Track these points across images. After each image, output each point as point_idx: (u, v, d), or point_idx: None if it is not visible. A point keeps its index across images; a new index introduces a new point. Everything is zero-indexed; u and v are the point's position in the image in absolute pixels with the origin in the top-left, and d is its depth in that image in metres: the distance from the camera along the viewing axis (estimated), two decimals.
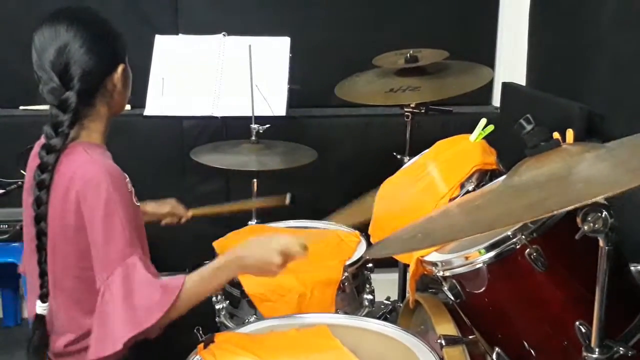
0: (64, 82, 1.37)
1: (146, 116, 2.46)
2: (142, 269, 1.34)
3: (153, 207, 1.90)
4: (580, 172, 1.02)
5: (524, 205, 1.02)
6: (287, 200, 2.01)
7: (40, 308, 1.42)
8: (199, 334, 1.45)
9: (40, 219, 1.38)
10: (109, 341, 1.32)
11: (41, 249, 1.39)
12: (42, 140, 1.42)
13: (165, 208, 1.90)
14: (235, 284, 1.77)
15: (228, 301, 1.81)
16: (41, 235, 1.39)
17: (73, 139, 1.41)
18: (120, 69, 1.44)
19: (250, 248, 1.42)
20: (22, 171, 1.53)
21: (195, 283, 1.37)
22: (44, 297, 1.41)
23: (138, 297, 1.32)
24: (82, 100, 1.39)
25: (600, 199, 0.92)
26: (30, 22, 1.43)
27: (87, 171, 1.36)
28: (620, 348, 1.11)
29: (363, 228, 2.00)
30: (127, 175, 1.41)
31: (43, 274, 1.40)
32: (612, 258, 1.04)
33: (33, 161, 1.47)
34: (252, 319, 1.68)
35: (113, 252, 1.34)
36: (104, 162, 1.39)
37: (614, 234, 1.02)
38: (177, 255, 1.71)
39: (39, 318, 1.43)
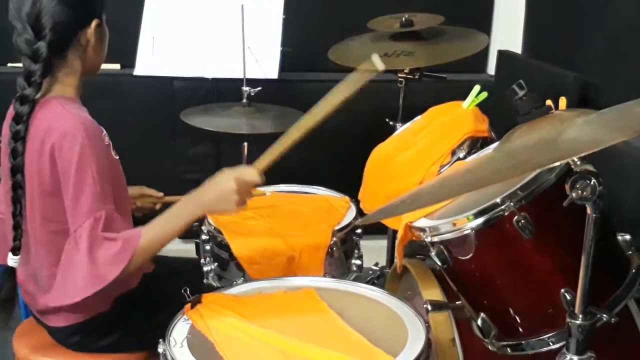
0: (36, 32, 1.37)
1: (136, 76, 2.43)
2: (108, 222, 1.35)
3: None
4: (567, 135, 1.02)
5: (509, 165, 1.02)
6: None
7: (12, 260, 1.44)
8: (186, 295, 1.45)
9: (16, 170, 1.39)
10: (69, 292, 1.35)
11: (16, 201, 1.40)
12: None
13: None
14: (224, 246, 1.77)
15: (216, 263, 1.81)
16: (17, 187, 1.39)
17: (47, 92, 1.41)
18: (94, 23, 1.43)
19: (204, 185, 1.44)
20: None
21: (154, 231, 1.38)
22: (15, 250, 1.43)
23: (100, 251, 1.33)
24: (54, 52, 1.39)
25: (582, 155, 0.91)
26: None
27: (62, 124, 1.36)
28: (604, 315, 1.12)
29: (353, 194, 2.00)
30: (103, 129, 1.41)
31: (17, 226, 1.42)
32: (599, 226, 1.04)
33: (9, 117, 1.46)
34: (240, 281, 1.68)
35: (82, 205, 1.34)
36: (80, 115, 1.39)
37: (601, 201, 1.02)
38: None
39: (9, 271, 1.45)
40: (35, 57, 1.37)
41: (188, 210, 1.42)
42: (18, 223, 1.42)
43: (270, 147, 1.46)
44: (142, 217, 1.63)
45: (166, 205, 1.51)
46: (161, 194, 1.80)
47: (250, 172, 1.42)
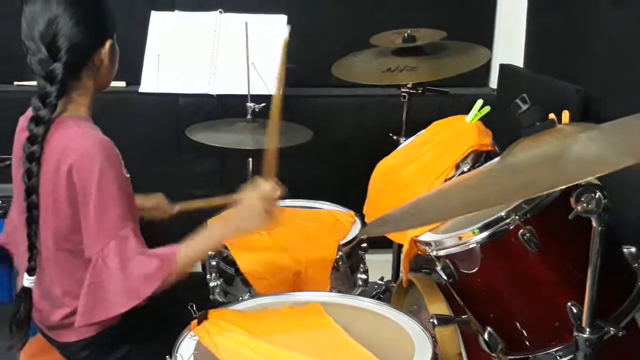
0: (52, 54, 1.38)
1: (141, 93, 2.44)
2: (135, 240, 1.36)
3: (139, 200, 1.78)
4: (573, 153, 1.02)
5: (515, 185, 1.02)
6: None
7: (27, 281, 1.43)
8: (192, 311, 1.45)
9: (31, 191, 1.38)
10: (100, 309, 1.36)
11: (31, 222, 1.40)
12: (28, 113, 1.42)
13: (150, 202, 1.81)
14: (230, 262, 1.77)
15: (222, 279, 1.81)
16: (32, 208, 1.39)
17: (61, 113, 1.41)
18: (108, 44, 1.44)
19: (233, 208, 1.51)
20: None
21: (189, 250, 1.41)
22: (31, 270, 1.43)
23: (135, 268, 1.34)
24: (69, 73, 1.39)
25: (589, 179, 0.92)
26: None
27: (81, 144, 1.36)
28: (611, 328, 1.12)
29: (358, 208, 2.00)
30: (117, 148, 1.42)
31: (32, 247, 1.42)
32: (605, 239, 1.04)
33: (20, 135, 1.47)
34: (246, 297, 1.68)
35: (107, 225, 1.35)
36: (97, 135, 1.40)
37: (606, 214, 1.02)
38: (170, 231, 1.70)
39: (25, 291, 1.44)
40: (51, 78, 1.37)
41: (221, 232, 1.51)
42: (33, 244, 1.41)
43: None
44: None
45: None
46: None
47: (270, 188, 1.46)
